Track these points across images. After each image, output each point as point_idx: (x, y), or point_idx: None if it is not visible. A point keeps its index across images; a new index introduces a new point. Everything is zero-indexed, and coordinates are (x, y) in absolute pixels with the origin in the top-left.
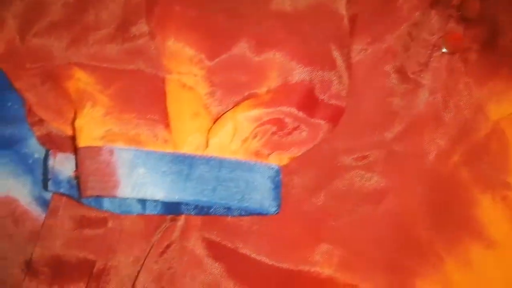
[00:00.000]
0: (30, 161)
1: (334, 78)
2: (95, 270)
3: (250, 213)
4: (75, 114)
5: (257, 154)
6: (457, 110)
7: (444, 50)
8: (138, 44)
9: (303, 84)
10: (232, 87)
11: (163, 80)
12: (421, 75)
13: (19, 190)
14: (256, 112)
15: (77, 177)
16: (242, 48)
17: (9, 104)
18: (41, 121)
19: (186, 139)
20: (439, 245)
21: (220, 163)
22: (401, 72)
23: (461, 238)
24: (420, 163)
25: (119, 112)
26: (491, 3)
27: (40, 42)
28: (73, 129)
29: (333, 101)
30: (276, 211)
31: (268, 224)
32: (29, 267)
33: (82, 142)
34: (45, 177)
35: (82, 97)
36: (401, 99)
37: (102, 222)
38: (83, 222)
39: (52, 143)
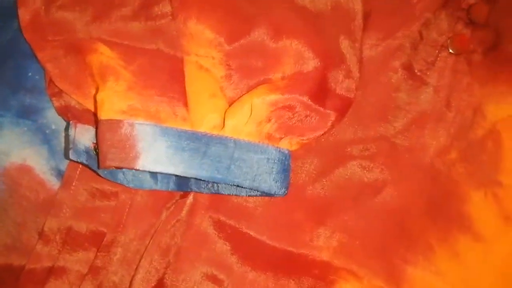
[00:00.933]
0: (47, 132)
1: (345, 71)
2: (104, 241)
3: (259, 193)
4: (97, 87)
5: (269, 137)
6: (458, 109)
7: (450, 50)
8: (159, 23)
9: (316, 74)
10: (247, 72)
11: (181, 61)
12: (427, 73)
13: (35, 159)
14: (272, 97)
15: (96, 149)
16: (260, 34)
17: (30, 74)
18: (60, 93)
19: (203, 118)
20: (431, 236)
21: (235, 143)
22: (408, 69)
23: (452, 230)
24: (419, 157)
25: (141, 88)
26: (498, 9)
27: (64, 15)
28: (94, 102)
29: (343, 93)
30: (284, 193)
31: (272, 207)
32: (41, 234)
33: (103, 115)
34: (67, 146)
35: (105, 71)
36: (406, 95)
37: (113, 195)
38: (95, 195)
39: (70, 114)
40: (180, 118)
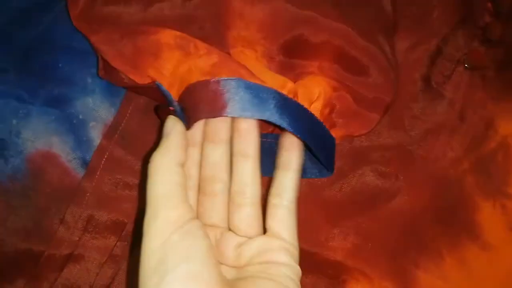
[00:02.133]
0: (75, 121)
1: (384, 71)
2: (125, 231)
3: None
4: (178, 60)
5: (326, 119)
6: (471, 121)
7: (466, 65)
8: (202, 15)
9: (358, 72)
10: (287, 64)
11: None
12: (443, 86)
13: (61, 147)
14: (335, 83)
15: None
16: (302, 31)
17: (60, 65)
18: (115, 72)
19: (280, 83)
20: (441, 243)
21: (305, 111)
22: (426, 81)
23: (461, 239)
24: (432, 166)
25: (218, 54)
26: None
27: (110, 8)
28: (171, 75)
29: (382, 96)
30: (331, 174)
31: None
32: (63, 221)
33: (193, 80)
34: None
35: (182, 42)
36: (423, 105)
37: (136, 186)
38: (118, 185)
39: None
40: (257, 78)
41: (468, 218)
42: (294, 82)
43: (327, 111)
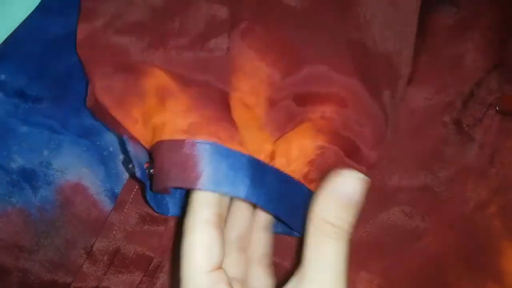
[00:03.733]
0: (105, 153)
1: (378, 127)
2: (151, 266)
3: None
4: (154, 110)
5: (305, 177)
6: (500, 166)
7: (497, 109)
8: (213, 56)
9: (352, 126)
10: (290, 109)
11: (227, 95)
12: (474, 129)
13: (90, 179)
14: (319, 142)
15: (149, 169)
16: (309, 74)
17: None
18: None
19: (259, 147)
20: (466, 286)
21: (285, 178)
22: (457, 124)
23: (485, 282)
24: (459, 208)
25: (201, 109)
26: None
27: (120, 39)
28: (134, 123)
29: (372, 151)
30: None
31: None
32: (90, 253)
33: (165, 136)
34: (126, 160)
35: (164, 93)
36: (453, 148)
37: (163, 221)
38: (146, 219)
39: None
40: (237, 142)
41: (493, 261)
42: (291, 130)
43: (306, 169)
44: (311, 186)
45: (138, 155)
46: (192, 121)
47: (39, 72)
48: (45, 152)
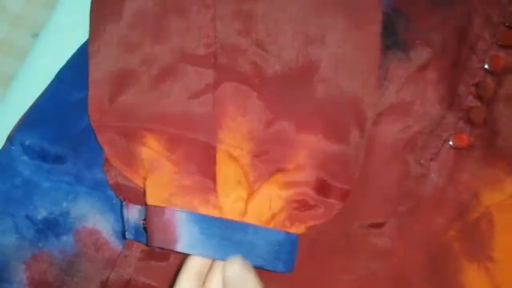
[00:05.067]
0: (114, 201)
1: (351, 164)
2: None
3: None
4: (146, 175)
5: (281, 224)
6: (457, 194)
7: (451, 144)
8: (200, 113)
9: (324, 169)
10: (269, 160)
11: (214, 149)
12: (432, 163)
13: (103, 224)
14: (287, 192)
15: (145, 225)
16: (284, 127)
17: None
18: (114, 170)
19: (230, 206)
20: None
21: (254, 229)
22: (416, 160)
23: None
24: (424, 233)
25: (180, 179)
26: (494, 111)
27: (125, 105)
28: (144, 185)
29: (344, 186)
30: (291, 270)
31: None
32: (105, 286)
33: (150, 201)
34: (123, 225)
35: (153, 163)
36: (413, 182)
37: (166, 256)
38: (151, 255)
39: (120, 190)
40: (212, 206)
41: (455, 278)
42: (271, 177)
43: (282, 216)
44: (290, 229)
45: (134, 216)
46: (172, 191)
47: (58, 135)
48: (64, 204)
